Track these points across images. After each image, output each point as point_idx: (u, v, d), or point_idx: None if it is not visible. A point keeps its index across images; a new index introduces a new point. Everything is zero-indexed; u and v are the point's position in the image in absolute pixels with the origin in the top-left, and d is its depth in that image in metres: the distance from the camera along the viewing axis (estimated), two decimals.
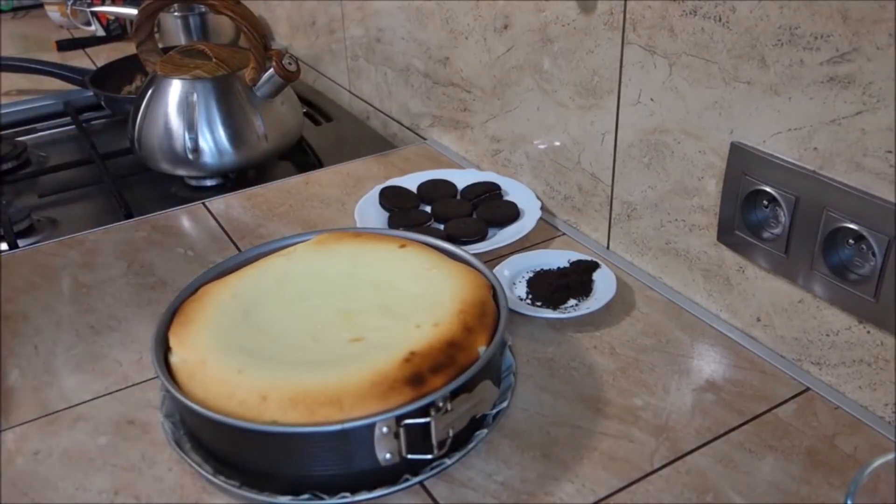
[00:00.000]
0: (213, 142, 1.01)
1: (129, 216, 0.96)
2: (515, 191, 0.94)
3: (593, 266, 0.79)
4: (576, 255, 0.80)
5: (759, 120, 0.63)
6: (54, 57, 1.61)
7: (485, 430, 0.59)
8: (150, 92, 1.04)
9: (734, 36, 0.63)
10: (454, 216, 0.89)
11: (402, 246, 0.71)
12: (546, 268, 0.80)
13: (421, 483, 0.56)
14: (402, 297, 0.64)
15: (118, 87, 1.34)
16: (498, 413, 0.61)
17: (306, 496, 0.54)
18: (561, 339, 0.71)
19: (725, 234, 0.69)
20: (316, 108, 1.34)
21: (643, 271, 0.80)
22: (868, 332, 0.59)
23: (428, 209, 0.92)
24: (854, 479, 0.43)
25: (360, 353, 0.58)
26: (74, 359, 0.71)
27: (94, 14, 1.74)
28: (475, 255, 0.70)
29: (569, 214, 0.89)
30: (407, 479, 0.55)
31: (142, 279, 0.82)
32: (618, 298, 0.75)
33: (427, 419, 0.53)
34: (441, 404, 0.53)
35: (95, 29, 1.76)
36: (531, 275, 0.79)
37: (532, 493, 0.56)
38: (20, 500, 0.57)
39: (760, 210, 0.65)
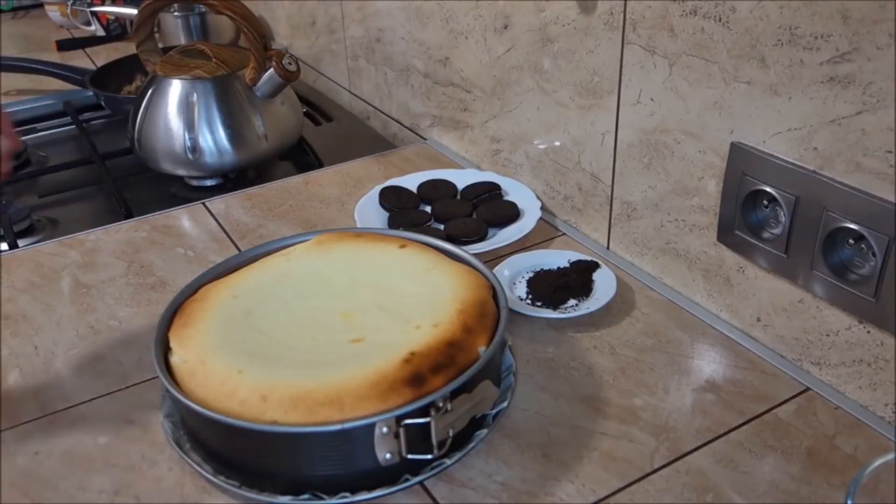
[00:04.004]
0: (213, 142, 1.01)
1: (129, 216, 0.96)
2: (515, 191, 0.94)
3: (593, 266, 0.79)
4: (576, 255, 0.80)
5: (759, 120, 0.63)
6: (54, 57, 1.61)
7: (485, 430, 0.59)
8: (150, 92, 1.04)
9: (734, 36, 0.62)
10: (454, 216, 0.89)
11: (402, 246, 0.71)
12: (546, 268, 0.80)
13: (421, 483, 0.56)
14: (402, 298, 0.64)
15: (118, 87, 1.34)
16: (498, 413, 0.61)
17: (306, 496, 0.54)
18: (561, 339, 0.71)
19: (725, 234, 0.69)
20: (316, 108, 1.34)
21: (643, 271, 0.80)
22: (868, 332, 0.59)
23: (428, 209, 0.92)
24: (854, 479, 0.43)
25: (360, 354, 0.58)
26: (74, 359, 0.71)
27: (94, 14, 1.74)
28: (475, 255, 0.70)
29: (569, 214, 0.89)
30: (407, 479, 0.55)
31: (142, 279, 0.82)
32: (618, 298, 0.75)
33: (427, 419, 0.53)
34: (441, 404, 0.53)
35: (95, 29, 1.76)
36: (531, 275, 0.79)
37: (532, 493, 0.56)
38: (20, 500, 0.57)
39: (760, 210, 0.65)
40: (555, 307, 0.74)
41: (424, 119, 1.14)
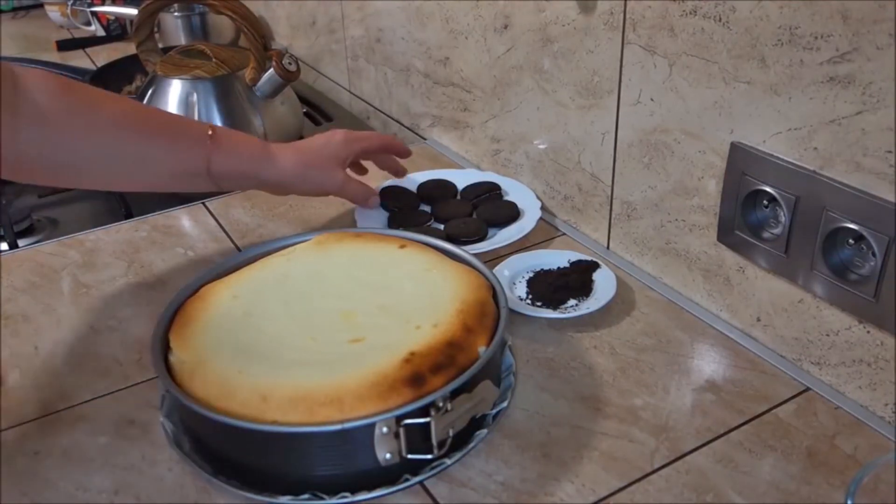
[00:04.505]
0: None
1: (128, 216, 0.96)
2: (515, 191, 0.94)
3: (593, 266, 0.79)
4: (576, 255, 0.80)
5: (759, 120, 0.63)
6: (54, 57, 1.61)
7: (485, 430, 0.59)
8: (150, 92, 1.04)
9: (734, 36, 0.63)
10: (454, 216, 0.89)
11: (402, 246, 0.71)
12: (546, 268, 0.80)
13: (421, 483, 0.56)
14: (401, 298, 0.64)
15: (118, 87, 1.34)
16: (498, 413, 0.61)
17: (306, 496, 0.54)
18: (561, 339, 0.71)
19: (725, 234, 0.69)
20: (316, 108, 1.34)
21: (643, 271, 0.80)
22: (868, 332, 0.59)
23: (428, 209, 0.92)
24: (854, 479, 0.43)
25: (360, 354, 0.58)
26: (74, 359, 0.71)
27: (94, 14, 1.74)
28: (475, 255, 0.70)
29: (569, 214, 0.89)
30: (407, 479, 0.55)
31: (142, 279, 0.82)
32: (618, 298, 0.75)
33: (427, 419, 0.53)
34: (441, 404, 0.53)
35: (95, 29, 1.76)
36: (531, 275, 0.79)
37: (532, 493, 0.56)
38: (20, 500, 0.57)
39: (760, 210, 0.65)
40: (555, 307, 0.74)
41: (424, 119, 1.14)
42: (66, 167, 0.70)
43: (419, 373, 0.55)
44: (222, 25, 1.58)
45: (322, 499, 0.54)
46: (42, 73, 0.68)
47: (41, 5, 1.89)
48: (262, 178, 0.79)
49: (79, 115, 0.69)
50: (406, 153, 0.93)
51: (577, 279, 0.76)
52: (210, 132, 0.75)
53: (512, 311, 0.71)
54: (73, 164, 0.70)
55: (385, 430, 0.52)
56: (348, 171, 0.86)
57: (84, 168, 0.71)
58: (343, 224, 0.91)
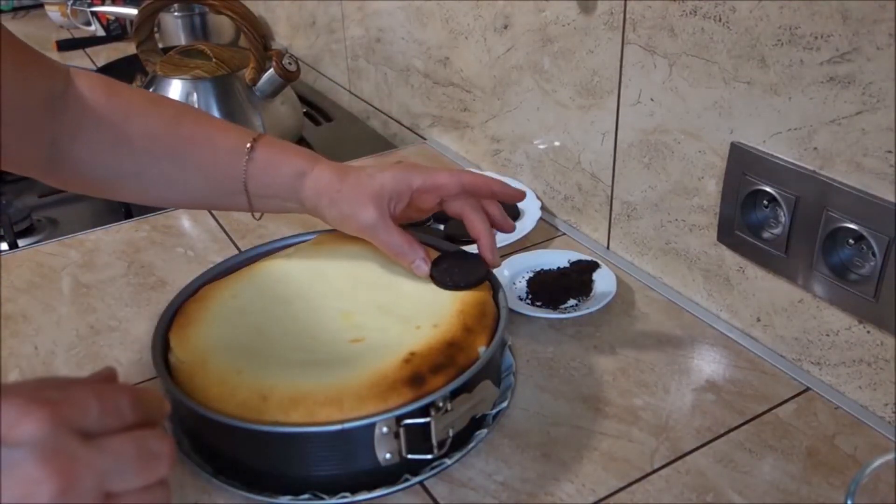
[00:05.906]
0: None
1: (128, 216, 0.96)
2: None
3: (593, 266, 0.78)
4: (576, 255, 0.80)
5: (759, 120, 0.63)
6: (54, 57, 1.60)
7: (485, 430, 0.59)
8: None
9: (734, 36, 0.63)
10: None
11: None
12: (546, 268, 0.80)
13: (421, 483, 0.56)
14: (401, 298, 0.64)
15: None
16: (498, 413, 0.61)
17: (306, 496, 0.54)
18: (561, 339, 0.71)
19: (725, 234, 0.69)
20: (316, 108, 1.34)
21: (643, 271, 0.80)
22: (868, 332, 0.59)
23: None
24: (854, 479, 0.43)
25: (360, 354, 0.58)
26: (74, 359, 0.71)
27: (94, 14, 1.74)
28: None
29: (569, 214, 0.89)
30: (407, 479, 0.55)
31: (142, 279, 0.82)
32: (618, 298, 0.75)
33: (427, 419, 0.53)
34: (441, 404, 0.53)
35: (95, 29, 1.76)
36: (531, 275, 0.79)
37: (532, 493, 0.56)
38: None
39: (760, 210, 0.65)
40: (555, 307, 0.74)
41: (424, 119, 1.14)
42: (111, 175, 0.65)
43: (419, 373, 0.55)
44: (222, 25, 1.58)
45: (322, 499, 0.54)
46: (96, 77, 0.66)
47: (41, 5, 1.89)
48: (300, 197, 0.65)
49: (133, 119, 0.64)
50: (516, 196, 0.68)
51: (577, 279, 0.76)
52: (249, 144, 0.64)
53: (512, 311, 0.71)
54: (118, 172, 0.65)
55: (385, 430, 0.52)
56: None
57: (126, 177, 0.66)
58: None
